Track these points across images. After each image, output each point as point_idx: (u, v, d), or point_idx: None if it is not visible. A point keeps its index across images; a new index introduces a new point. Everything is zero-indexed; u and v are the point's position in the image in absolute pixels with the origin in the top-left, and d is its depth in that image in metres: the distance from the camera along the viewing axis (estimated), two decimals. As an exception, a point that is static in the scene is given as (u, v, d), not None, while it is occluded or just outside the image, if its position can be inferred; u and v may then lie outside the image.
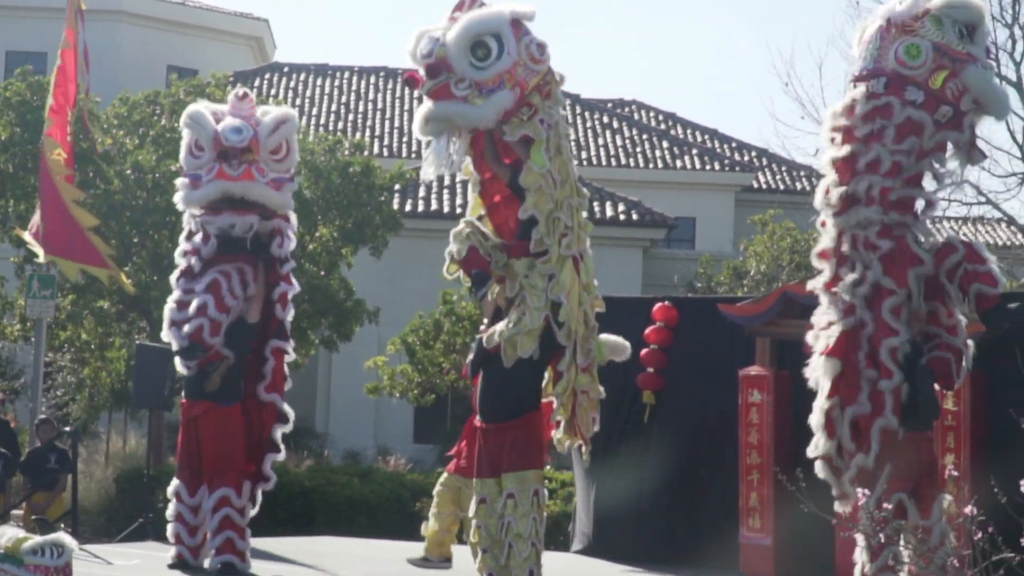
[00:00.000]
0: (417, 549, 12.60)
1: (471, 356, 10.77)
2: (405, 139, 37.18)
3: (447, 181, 32.29)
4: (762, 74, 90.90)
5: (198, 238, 12.11)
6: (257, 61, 42.78)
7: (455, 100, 10.29)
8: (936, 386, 10.11)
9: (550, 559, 10.84)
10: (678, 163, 37.36)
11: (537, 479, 10.45)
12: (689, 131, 41.03)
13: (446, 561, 12.27)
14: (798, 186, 37.86)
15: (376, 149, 35.05)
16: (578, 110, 38.67)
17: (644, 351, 14.62)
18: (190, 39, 40.61)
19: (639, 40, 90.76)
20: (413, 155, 35.52)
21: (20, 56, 35.13)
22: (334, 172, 23.27)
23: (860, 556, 9.88)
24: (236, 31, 42.45)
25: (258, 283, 12.06)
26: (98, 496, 21.09)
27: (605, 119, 39.14)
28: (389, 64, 40.78)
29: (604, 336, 10.96)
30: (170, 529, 12.14)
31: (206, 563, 11.96)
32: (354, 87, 39.89)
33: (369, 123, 37.99)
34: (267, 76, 39.78)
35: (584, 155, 36.61)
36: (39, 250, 18.87)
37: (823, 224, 10.24)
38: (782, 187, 38.58)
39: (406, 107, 38.65)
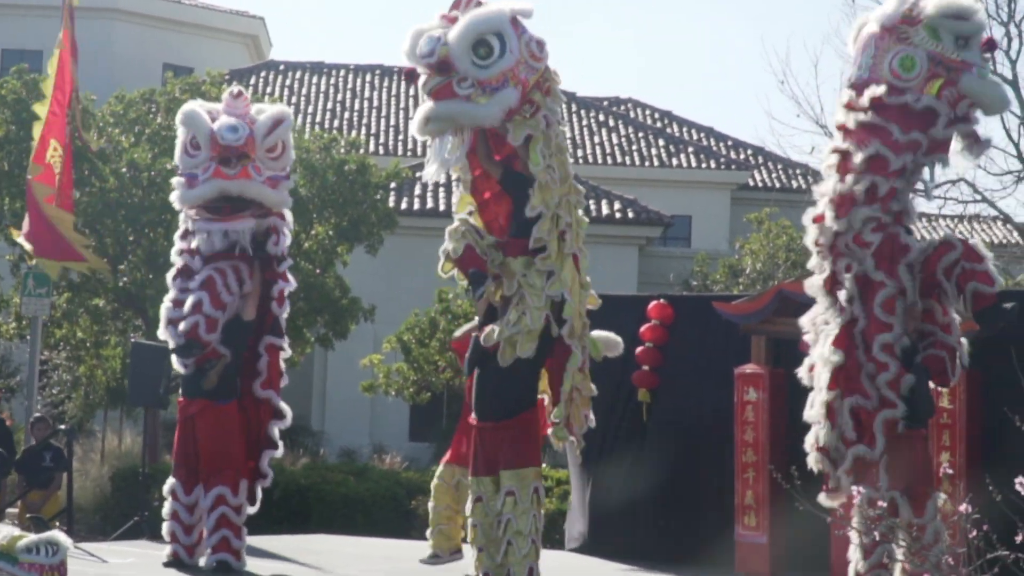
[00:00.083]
0: (425, 549, 12.52)
1: (468, 353, 10.75)
2: (401, 137, 37.18)
3: (443, 179, 32.22)
4: (758, 72, 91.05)
5: (194, 237, 12.12)
6: (253, 59, 42.76)
7: (458, 99, 10.28)
8: (931, 384, 10.13)
9: (546, 557, 10.83)
10: (674, 161, 37.36)
11: (536, 477, 10.47)
12: (685, 129, 41.04)
13: (457, 552, 12.16)
14: (794, 184, 37.87)
15: (372, 147, 35.05)
16: (574, 108, 38.65)
17: (639, 349, 14.62)
18: (186, 37, 40.61)
19: (635, 38, 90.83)
20: (409, 153, 35.53)
21: (16, 54, 35.10)
22: (330, 170, 23.26)
23: (854, 554, 9.90)
24: (232, 29, 42.46)
25: (254, 280, 12.07)
26: (93, 494, 21.07)
27: (601, 117, 39.14)
28: (385, 62, 40.82)
29: (597, 332, 10.97)
30: (165, 527, 12.13)
31: (201, 561, 11.97)
32: (350, 85, 39.89)
33: (365, 121, 37.99)
34: (263, 74, 39.79)
35: (580, 153, 36.61)
36: (29, 247, 18.85)
37: (817, 220, 10.25)
38: (778, 185, 38.59)
39: (402, 105, 38.65)
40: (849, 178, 10.05)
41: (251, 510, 12.21)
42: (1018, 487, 7.38)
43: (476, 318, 10.97)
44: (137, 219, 22.22)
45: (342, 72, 40.54)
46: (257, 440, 12.11)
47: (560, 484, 17.80)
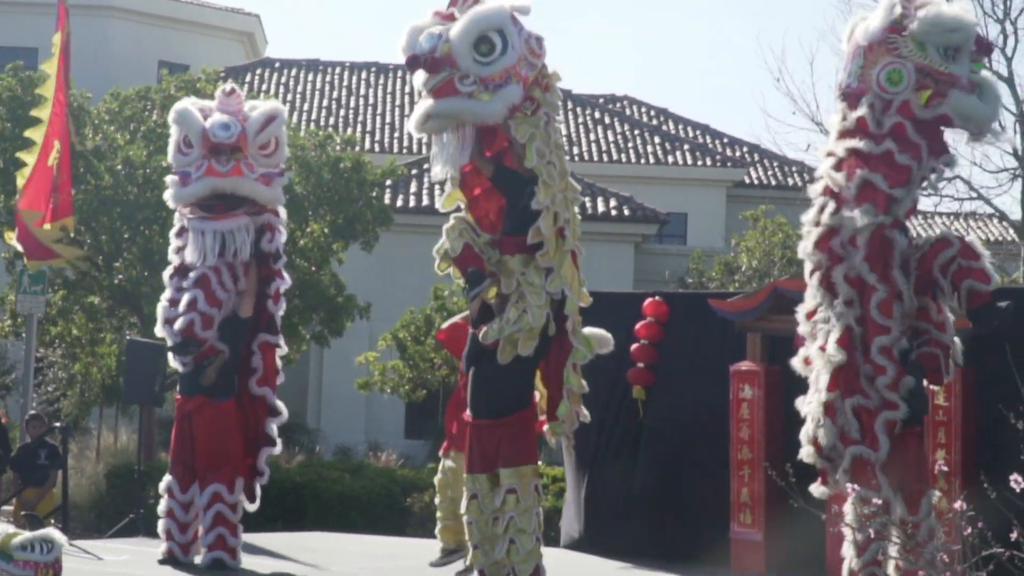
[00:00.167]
0: (424, 546, 12.44)
1: (465, 350, 10.73)
2: (396, 134, 37.18)
3: (443, 176, 32.20)
4: (754, 70, 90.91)
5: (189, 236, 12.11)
6: (248, 56, 42.76)
7: (460, 96, 10.27)
8: (925, 382, 10.14)
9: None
10: (670, 158, 37.36)
11: (534, 474, 10.50)
12: (681, 127, 41.06)
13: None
14: (790, 181, 37.88)
15: (367, 145, 35.03)
16: (570, 105, 38.64)
17: (635, 346, 14.62)
18: (181, 34, 40.59)
19: (631, 36, 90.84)
20: (404, 151, 35.53)
21: (10, 52, 35.04)
22: (325, 168, 23.25)
23: (848, 551, 9.90)
24: (227, 26, 42.44)
25: (249, 278, 12.06)
26: (88, 492, 21.07)
27: (597, 114, 39.14)
28: (380, 60, 40.84)
29: (588, 329, 10.96)
30: (161, 525, 12.12)
31: (197, 559, 11.96)
32: (345, 83, 39.89)
33: (360, 119, 37.99)
34: (258, 71, 39.78)
35: (576, 150, 36.61)
36: (22, 248, 18.83)
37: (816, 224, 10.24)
38: (774, 182, 38.59)
39: (397, 102, 38.65)
40: (839, 176, 10.04)
41: (251, 507, 12.21)
42: (1013, 484, 7.38)
43: (468, 313, 10.95)
44: (132, 216, 22.21)
45: (338, 70, 40.53)
46: (255, 437, 12.11)
47: (556, 481, 17.80)
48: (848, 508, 9.54)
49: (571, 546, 15.36)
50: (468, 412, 10.66)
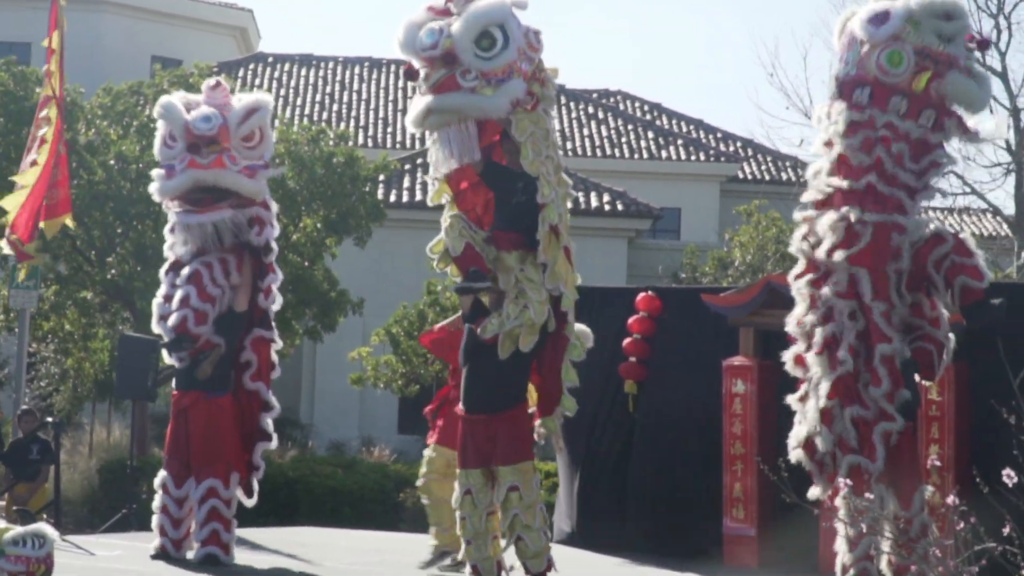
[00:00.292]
0: (418, 542, 12.35)
1: (462, 346, 10.70)
2: (390, 130, 37.15)
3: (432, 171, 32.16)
4: (747, 65, 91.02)
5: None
6: (241, 51, 42.72)
7: (463, 91, 10.26)
8: (917, 377, 10.14)
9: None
10: (663, 153, 37.35)
11: (533, 469, 10.52)
12: (674, 121, 41.05)
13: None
14: (783, 176, 37.89)
15: (360, 140, 35.02)
16: (563, 100, 38.61)
17: (627, 341, 14.61)
18: (174, 29, 40.54)
19: (625, 31, 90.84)
20: (398, 146, 35.50)
21: (4, 46, 34.99)
22: (318, 163, 23.23)
23: (840, 546, 9.90)
24: (220, 21, 42.40)
25: (243, 272, 12.01)
26: (81, 487, 21.06)
27: (590, 109, 39.13)
28: (374, 54, 40.85)
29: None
30: (154, 520, 12.09)
31: (189, 554, 11.94)
32: (338, 77, 39.85)
33: (353, 113, 37.96)
34: (251, 66, 39.75)
35: (569, 145, 36.59)
36: (11, 252, 18.75)
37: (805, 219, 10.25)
38: (767, 177, 38.61)
39: (390, 98, 38.63)
40: (836, 179, 10.06)
41: (249, 502, 12.19)
42: (1005, 479, 7.39)
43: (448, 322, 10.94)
44: (125, 211, 22.19)
45: (331, 64, 40.49)
46: (251, 433, 12.08)
47: (549, 476, 17.80)
48: (840, 503, 9.53)
49: (564, 541, 15.33)
50: (461, 407, 10.64)
